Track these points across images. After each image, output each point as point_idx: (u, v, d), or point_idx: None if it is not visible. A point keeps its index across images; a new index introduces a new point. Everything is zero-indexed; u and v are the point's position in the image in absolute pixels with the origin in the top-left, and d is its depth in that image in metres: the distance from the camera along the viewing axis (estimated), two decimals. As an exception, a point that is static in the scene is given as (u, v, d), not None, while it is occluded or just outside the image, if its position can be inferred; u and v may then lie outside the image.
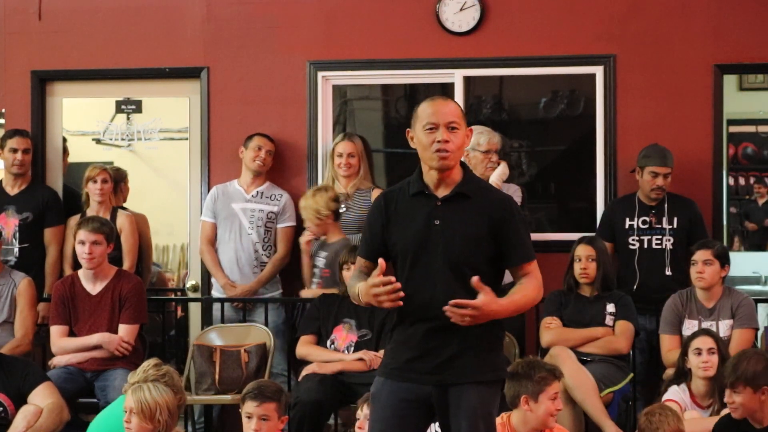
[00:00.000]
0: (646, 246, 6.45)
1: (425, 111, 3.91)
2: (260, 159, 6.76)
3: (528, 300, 3.95)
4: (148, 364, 4.81)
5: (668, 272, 6.41)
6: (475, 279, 3.76)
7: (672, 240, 6.43)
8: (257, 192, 6.80)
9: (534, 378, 4.76)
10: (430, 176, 3.94)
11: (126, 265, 6.65)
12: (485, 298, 3.76)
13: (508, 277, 4.05)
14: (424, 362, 3.89)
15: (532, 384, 4.75)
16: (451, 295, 3.79)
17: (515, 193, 6.52)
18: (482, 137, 6.54)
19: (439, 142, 3.85)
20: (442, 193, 3.93)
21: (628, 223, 6.50)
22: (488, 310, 3.76)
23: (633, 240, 6.48)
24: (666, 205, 6.47)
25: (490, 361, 3.93)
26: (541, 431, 4.83)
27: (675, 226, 6.45)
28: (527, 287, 3.93)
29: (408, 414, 3.93)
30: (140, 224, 6.99)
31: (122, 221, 6.79)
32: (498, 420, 4.76)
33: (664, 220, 6.46)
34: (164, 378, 4.73)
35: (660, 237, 6.45)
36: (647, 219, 6.47)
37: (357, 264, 4.12)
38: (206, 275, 7.03)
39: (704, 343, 5.43)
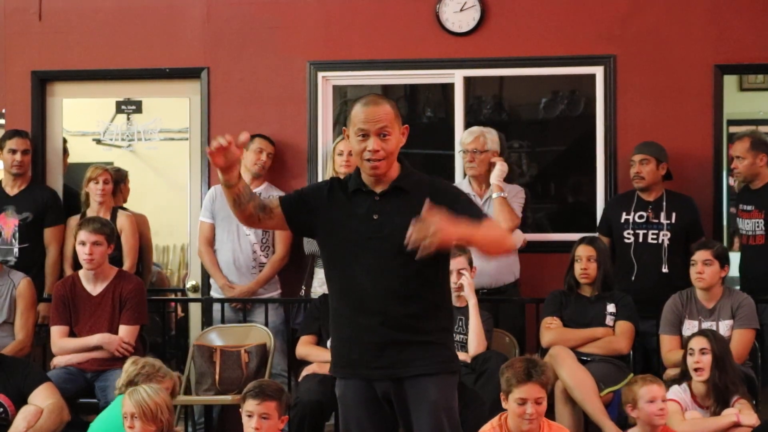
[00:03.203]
0: (641, 240, 6.46)
1: (357, 116, 3.89)
2: (261, 162, 6.76)
3: (493, 227, 3.91)
4: (127, 365, 5.01)
5: (665, 269, 6.42)
6: (426, 201, 3.66)
7: (669, 235, 6.44)
8: (256, 192, 6.78)
9: (505, 376, 4.73)
10: (366, 176, 3.96)
11: (126, 265, 6.65)
12: (437, 216, 3.62)
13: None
14: (375, 358, 3.90)
15: (504, 381, 4.73)
16: (393, 287, 3.84)
17: (518, 194, 6.52)
18: (462, 137, 6.58)
19: (369, 151, 3.86)
20: (380, 189, 3.95)
21: (624, 217, 6.51)
22: (442, 219, 3.61)
23: (628, 234, 6.48)
24: (664, 202, 6.48)
25: (440, 354, 3.93)
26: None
27: (673, 221, 6.45)
28: (490, 220, 3.97)
29: (378, 412, 3.96)
30: (140, 224, 6.99)
31: (122, 221, 6.78)
32: (496, 420, 4.76)
33: (662, 215, 6.46)
34: (144, 369, 4.93)
35: (656, 231, 6.45)
36: (644, 214, 6.48)
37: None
38: (206, 276, 7.02)
39: (697, 343, 5.42)
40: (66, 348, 6.09)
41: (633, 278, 6.42)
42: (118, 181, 7.07)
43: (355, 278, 3.89)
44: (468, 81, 7.04)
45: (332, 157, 6.71)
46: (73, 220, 6.76)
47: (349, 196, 3.98)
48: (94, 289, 6.15)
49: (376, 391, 3.94)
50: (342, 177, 4.16)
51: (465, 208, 3.89)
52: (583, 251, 6.04)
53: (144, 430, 4.67)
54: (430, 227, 3.58)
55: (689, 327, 5.87)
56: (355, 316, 3.93)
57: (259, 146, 6.76)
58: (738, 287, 6.42)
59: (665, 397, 5.14)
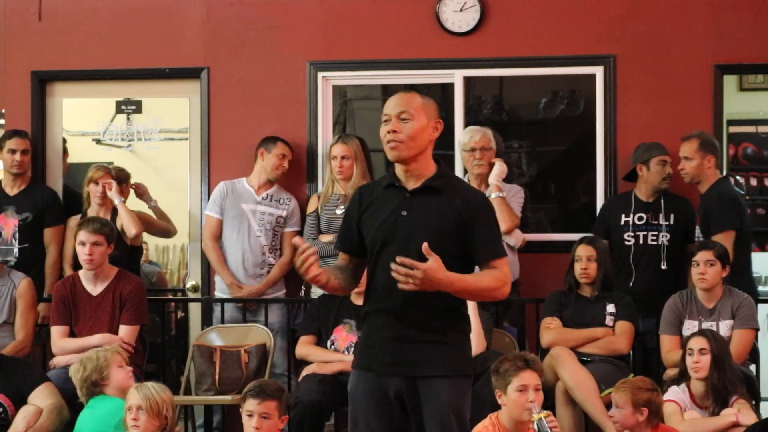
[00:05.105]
0: (641, 242, 6.48)
1: (386, 105, 4.02)
2: (283, 169, 6.75)
3: (481, 285, 3.93)
4: (74, 374, 5.20)
5: (663, 266, 6.43)
6: (424, 245, 3.76)
7: (668, 236, 6.46)
8: (267, 195, 6.77)
9: (500, 371, 4.70)
10: (399, 169, 4.01)
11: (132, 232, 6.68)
12: (433, 263, 3.75)
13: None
14: (389, 353, 3.93)
15: (499, 377, 4.69)
16: None
17: (517, 194, 6.52)
18: (465, 136, 6.58)
19: (388, 132, 3.93)
20: (412, 185, 3.99)
21: (623, 219, 6.52)
22: (432, 276, 3.74)
23: (628, 236, 6.50)
24: (663, 202, 6.50)
25: (456, 357, 3.97)
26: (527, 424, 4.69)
27: (672, 222, 6.47)
28: (485, 274, 3.96)
29: (387, 411, 3.98)
30: (144, 218, 6.98)
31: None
32: (487, 420, 4.74)
33: (661, 216, 6.48)
34: (87, 371, 5.16)
35: (656, 233, 6.47)
36: (643, 215, 6.50)
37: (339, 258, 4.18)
38: (206, 275, 7.02)
39: (696, 343, 5.42)
40: (66, 348, 6.08)
41: (633, 279, 6.43)
42: (121, 180, 7.05)
43: (379, 273, 3.92)
44: (468, 81, 7.04)
45: (328, 160, 6.70)
46: (73, 220, 6.76)
47: (380, 193, 4.03)
48: (95, 289, 6.15)
49: (387, 390, 3.96)
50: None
51: (485, 236, 3.94)
52: (583, 251, 6.04)
53: (148, 423, 4.71)
54: (418, 271, 3.71)
55: (689, 327, 5.87)
56: (374, 311, 3.98)
57: (283, 152, 6.75)
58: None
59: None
